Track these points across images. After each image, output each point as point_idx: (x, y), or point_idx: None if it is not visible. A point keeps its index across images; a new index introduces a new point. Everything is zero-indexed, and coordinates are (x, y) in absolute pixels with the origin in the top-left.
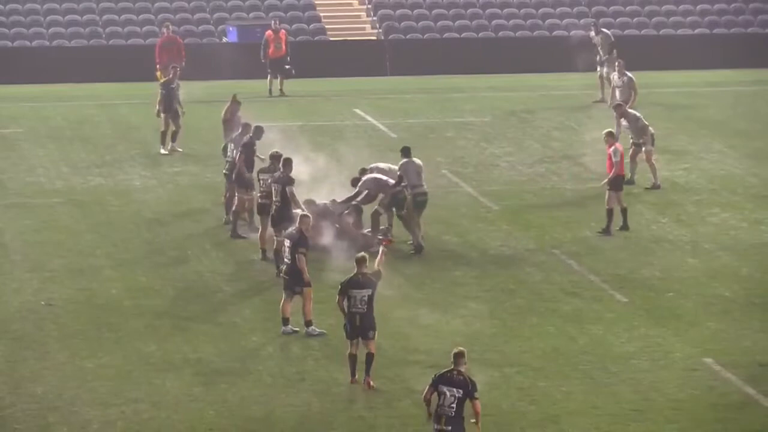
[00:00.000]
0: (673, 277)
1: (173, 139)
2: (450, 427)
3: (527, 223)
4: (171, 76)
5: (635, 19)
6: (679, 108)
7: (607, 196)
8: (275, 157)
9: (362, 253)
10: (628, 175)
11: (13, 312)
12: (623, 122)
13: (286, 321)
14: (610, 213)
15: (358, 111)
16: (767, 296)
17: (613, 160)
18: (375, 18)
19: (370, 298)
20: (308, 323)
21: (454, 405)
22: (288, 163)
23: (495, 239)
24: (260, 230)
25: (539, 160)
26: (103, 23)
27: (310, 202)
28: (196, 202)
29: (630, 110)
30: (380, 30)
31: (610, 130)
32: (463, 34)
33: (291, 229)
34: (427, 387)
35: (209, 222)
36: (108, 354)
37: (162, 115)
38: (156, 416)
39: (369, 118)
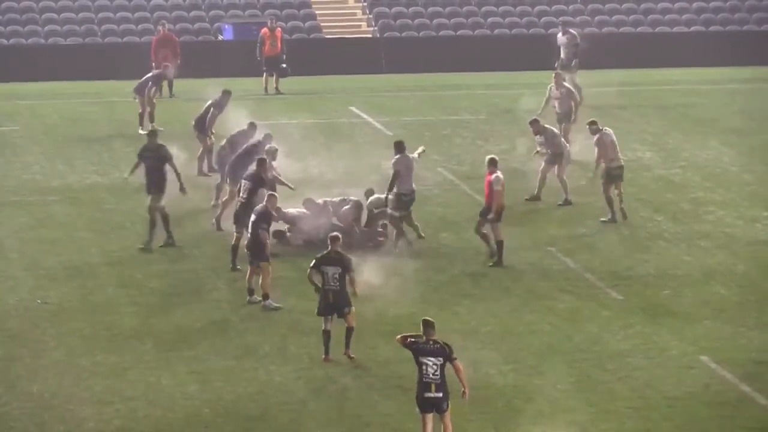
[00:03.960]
0: (668, 275)
1: (151, 119)
2: (441, 394)
3: (522, 221)
4: (162, 70)
5: (631, 17)
6: (674, 106)
7: (491, 228)
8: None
9: (336, 232)
10: (534, 193)
11: (8, 310)
12: (538, 138)
13: (250, 291)
14: (501, 244)
15: (353, 109)
16: (763, 294)
17: (494, 188)
18: (370, 15)
19: (342, 275)
20: (265, 296)
21: (438, 372)
22: (262, 163)
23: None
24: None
25: (535, 158)
26: (98, 21)
27: (309, 201)
28: (191, 200)
29: (547, 126)
30: (376, 27)
31: (493, 156)
32: (459, 32)
33: (259, 206)
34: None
35: (205, 220)
36: (103, 352)
37: (137, 97)
38: (151, 414)
39: (365, 115)
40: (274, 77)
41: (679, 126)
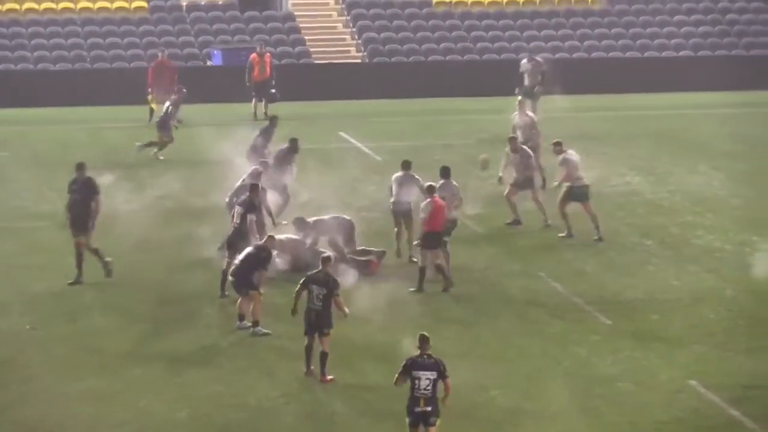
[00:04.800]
0: (657, 300)
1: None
2: (430, 408)
3: (511, 246)
4: (177, 96)
5: (620, 42)
6: (663, 130)
7: (420, 255)
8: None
9: (328, 254)
10: (509, 220)
11: None
12: (514, 156)
13: (241, 317)
14: (422, 271)
15: (343, 134)
16: (752, 318)
17: (421, 216)
18: (360, 41)
19: (326, 297)
20: (255, 323)
21: (429, 387)
22: (255, 189)
23: (479, 262)
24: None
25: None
26: (87, 46)
27: (298, 220)
28: (180, 226)
29: (525, 147)
30: (365, 53)
31: (431, 184)
32: (448, 57)
33: (259, 246)
34: (398, 374)
35: (194, 246)
36: (92, 378)
37: (162, 133)
38: None
39: (354, 141)
40: (264, 102)
41: (667, 150)
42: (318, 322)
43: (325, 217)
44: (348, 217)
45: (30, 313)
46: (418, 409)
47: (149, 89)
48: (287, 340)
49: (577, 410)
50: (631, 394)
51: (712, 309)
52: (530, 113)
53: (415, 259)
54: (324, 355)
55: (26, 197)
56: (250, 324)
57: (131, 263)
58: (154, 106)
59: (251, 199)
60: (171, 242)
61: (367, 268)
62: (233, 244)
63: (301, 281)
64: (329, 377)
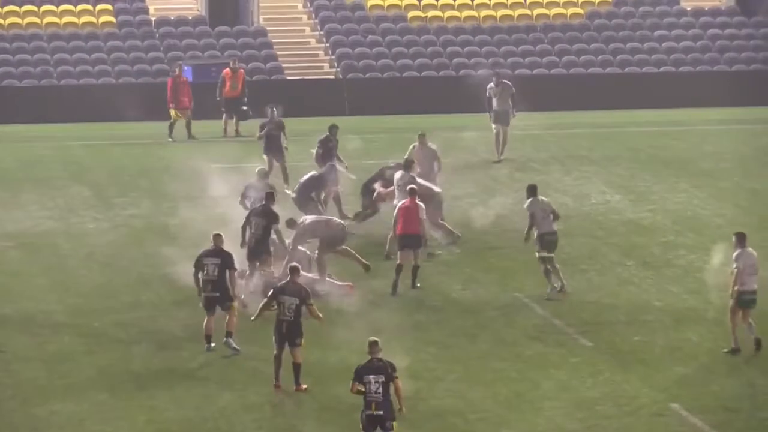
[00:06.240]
0: (638, 321)
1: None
2: (381, 411)
3: (489, 266)
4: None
5: (599, 57)
6: (644, 147)
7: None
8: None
9: (295, 263)
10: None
11: None
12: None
13: (208, 338)
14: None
15: (314, 151)
16: None
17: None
18: (333, 57)
19: (298, 307)
20: (229, 334)
21: (380, 390)
22: (270, 197)
23: (456, 282)
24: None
25: (501, 201)
26: (54, 62)
27: (291, 221)
28: (150, 245)
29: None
30: (338, 69)
31: (413, 186)
32: (423, 73)
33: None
34: (352, 381)
35: (164, 266)
36: (59, 402)
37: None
38: None
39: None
40: (235, 119)
41: (648, 168)
42: (289, 334)
43: (309, 218)
44: (338, 220)
45: None
46: (368, 413)
47: (170, 105)
48: (258, 361)
49: None
50: (612, 417)
51: (694, 330)
52: (432, 146)
53: (418, 285)
54: (297, 366)
55: None
56: (214, 345)
57: (101, 284)
58: (179, 119)
59: (269, 209)
60: (141, 263)
61: (344, 290)
62: (256, 254)
63: (270, 293)
64: (303, 386)
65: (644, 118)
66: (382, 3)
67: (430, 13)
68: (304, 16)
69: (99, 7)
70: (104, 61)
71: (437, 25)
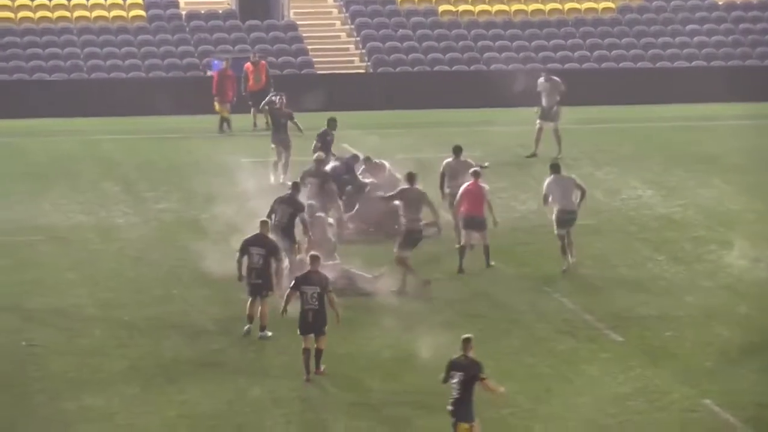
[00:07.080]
0: (669, 316)
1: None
2: (453, 408)
3: (520, 262)
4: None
5: (631, 52)
6: (675, 142)
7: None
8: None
9: (315, 252)
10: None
11: None
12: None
13: (250, 318)
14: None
15: (346, 146)
16: (766, 335)
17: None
18: (364, 51)
19: (320, 295)
20: (263, 327)
21: (458, 387)
22: (296, 186)
23: (487, 278)
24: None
25: (533, 196)
26: (84, 56)
27: (312, 206)
28: (180, 239)
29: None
30: (369, 63)
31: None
32: (454, 67)
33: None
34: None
35: (193, 260)
36: (90, 396)
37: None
38: None
39: (358, 153)
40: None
41: (680, 163)
42: (315, 323)
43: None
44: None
45: (26, 329)
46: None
47: (216, 98)
48: (289, 355)
49: (588, 430)
50: (643, 413)
51: (725, 326)
52: (470, 160)
53: (492, 263)
54: (319, 352)
55: (21, 211)
56: (250, 326)
57: (132, 278)
58: (225, 114)
59: (295, 198)
60: (172, 257)
61: (372, 284)
62: (281, 242)
63: (291, 284)
64: (323, 368)
65: (675, 113)
66: None
67: (461, 7)
68: (335, 10)
69: (129, 0)
70: (134, 55)
71: (468, 19)
